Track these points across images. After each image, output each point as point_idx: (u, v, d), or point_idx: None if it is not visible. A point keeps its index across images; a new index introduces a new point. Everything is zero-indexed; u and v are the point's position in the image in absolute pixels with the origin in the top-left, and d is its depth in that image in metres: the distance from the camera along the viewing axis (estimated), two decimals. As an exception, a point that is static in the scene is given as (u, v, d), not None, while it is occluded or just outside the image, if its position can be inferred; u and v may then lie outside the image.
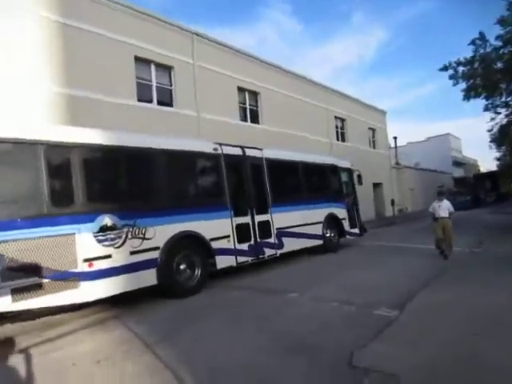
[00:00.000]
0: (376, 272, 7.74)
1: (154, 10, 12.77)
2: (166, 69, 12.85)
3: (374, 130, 26.46)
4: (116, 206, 5.99)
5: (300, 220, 9.74)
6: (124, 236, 5.91)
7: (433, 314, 4.80)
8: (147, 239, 6.22)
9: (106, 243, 5.66)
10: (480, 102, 17.76)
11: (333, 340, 4.09)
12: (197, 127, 13.13)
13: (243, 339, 4.37)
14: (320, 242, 10.46)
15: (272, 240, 8.80)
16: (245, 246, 8.05)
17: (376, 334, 4.12)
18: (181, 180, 7.41)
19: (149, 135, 7.72)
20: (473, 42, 15.38)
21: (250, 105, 16.15)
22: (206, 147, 7.87)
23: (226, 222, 7.73)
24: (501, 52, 15.19)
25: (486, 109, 18.14)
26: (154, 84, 12.47)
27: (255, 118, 16.32)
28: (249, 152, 8.79)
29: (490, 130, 22.58)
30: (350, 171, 12.57)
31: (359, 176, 12.80)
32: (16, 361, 4.20)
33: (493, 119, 19.58)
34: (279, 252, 8.97)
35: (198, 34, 13.86)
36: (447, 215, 8.98)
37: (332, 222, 11.03)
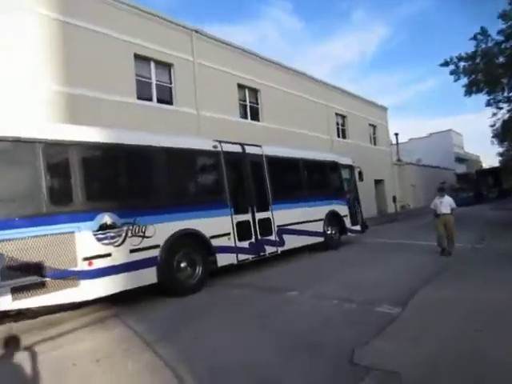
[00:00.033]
0: (377, 269, 7.70)
1: (159, 9, 12.74)
2: (165, 66, 12.79)
3: (375, 127, 26.35)
4: (116, 204, 5.95)
5: (301, 217, 9.69)
6: (124, 234, 5.88)
7: (435, 311, 4.76)
8: (147, 237, 6.20)
9: (106, 242, 5.63)
10: (482, 98, 17.70)
11: (334, 338, 4.06)
12: (197, 125, 13.09)
13: (243, 337, 4.34)
14: (321, 239, 10.43)
15: (273, 237, 8.77)
16: (245, 244, 8.02)
17: (378, 332, 4.09)
18: (180, 178, 7.38)
19: (148, 133, 7.68)
20: (474, 37, 15.28)
21: (250, 102, 16.08)
22: (206, 145, 7.84)
23: (227, 220, 7.69)
24: (503, 46, 15.09)
25: (488, 104, 18.05)
26: (154, 82, 12.42)
27: (255, 116, 16.25)
28: (249, 149, 8.75)
29: (492, 126, 22.47)
30: (351, 168, 12.51)
31: (360, 172, 12.75)
32: (16, 359, 4.19)
33: (495, 114, 19.49)
34: (280, 249, 8.94)
35: (197, 31, 13.79)
36: (449, 211, 8.92)
37: (333, 219, 10.98)
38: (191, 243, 6.96)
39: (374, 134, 26.35)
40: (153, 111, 11.94)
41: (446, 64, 16.16)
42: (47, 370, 3.83)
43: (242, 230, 7.98)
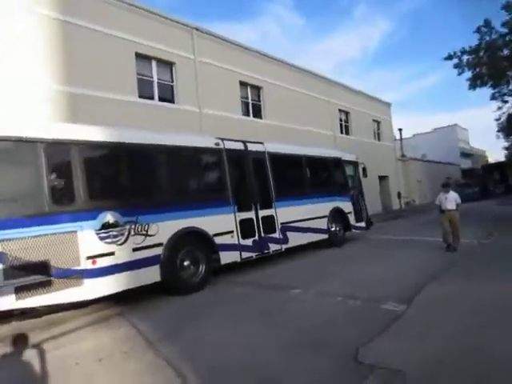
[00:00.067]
0: (382, 266, 7.64)
1: (159, 8, 12.72)
2: (167, 65, 12.76)
3: (378, 123, 26.18)
4: (118, 202, 5.94)
5: (305, 214, 9.64)
6: (127, 233, 5.87)
7: (440, 308, 4.70)
8: (150, 236, 6.18)
9: (109, 240, 5.63)
10: (486, 91, 17.58)
11: (338, 336, 4.02)
12: (199, 123, 13.06)
13: (246, 336, 4.31)
14: (325, 236, 10.36)
15: (276, 235, 8.73)
16: (249, 242, 7.98)
17: (382, 329, 4.04)
18: (183, 176, 7.34)
19: (149, 131, 7.66)
20: (478, 30, 15.08)
21: (252, 99, 16.02)
22: (208, 142, 7.80)
23: (230, 218, 7.66)
24: (507, 39, 14.89)
25: (493, 97, 17.89)
26: (155, 80, 12.40)
27: (258, 113, 16.19)
28: (251, 146, 8.70)
29: (497, 119, 22.27)
30: (355, 164, 12.42)
31: (364, 168, 12.64)
32: (19, 359, 4.20)
33: (500, 108, 19.30)
34: (284, 247, 8.90)
35: (198, 29, 13.74)
36: (454, 207, 8.82)
37: (337, 215, 10.91)
38: (194, 241, 6.93)
39: (378, 129, 26.18)
40: (155, 110, 11.92)
41: (449, 58, 16.01)
42: (50, 369, 3.82)
43: (246, 228, 7.94)
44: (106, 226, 5.60)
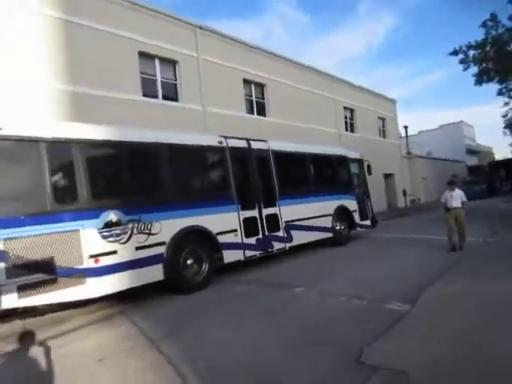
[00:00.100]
0: (387, 264, 7.57)
1: (163, 7, 12.70)
2: (170, 63, 12.75)
3: (383, 120, 26.00)
4: (121, 201, 5.94)
5: (309, 213, 9.58)
6: (129, 231, 5.87)
7: (445, 307, 4.64)
8: (153, 234, 6.17)
9: (112, 239, 5.62)
10: (492, 87, 17.37)
11: (340, 336, 3.97)
12: (203, 121, 13.03)
13: (249, 335, 4.29)
14: (330, 234, 10.31)
15: (280, 233, 8.69)
16: (253, 240, 7.95)
17: (386, 329, 3.98)
18: (186, 174, 7.32)
19: (152, 130, 7.64)
20: (484, 24, 14.85)
21: (256, 97, 15.96)
22: (211, 140, 7.77)
23: (233, 216, 7.63)
24: (514, 33, 14.69)
25: (500, 93, 17.65)
26: (159, 79, 12.39)
27: (262, 111, 16.13)
28: (254, 144, 8.65)
29: (504, 116, 22.02)
30: (360, 162, 12.33)
31: (369, 166, 12.53)
32: (23, 357, 4.21)
33: (507, 104, 19.07)
34: (288, 245, 8.86)
35: (201, 28, 13.70)
36: (460, 205, 8.71)
37: (342, 214, 10.84)
38: (197, 240, 6.92)
39: (383, 127, 26.00)
40: (158, 108, 11.92)
41: (455, 53, 15.81)
42: (53, 367, 3.82)
43: (249, 227, 7.91)
44: (108, 225, 5.60)
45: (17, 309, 5.11)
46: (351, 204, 11.25)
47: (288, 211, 8.94)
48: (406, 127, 30.25)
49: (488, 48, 15.27)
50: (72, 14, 10.13)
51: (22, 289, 4.70)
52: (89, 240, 5.34)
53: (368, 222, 11.91)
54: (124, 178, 6.45)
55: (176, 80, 12.87)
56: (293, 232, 9.00)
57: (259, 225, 8.20)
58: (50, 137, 5.29)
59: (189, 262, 6.71)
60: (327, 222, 10.25)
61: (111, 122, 7.40)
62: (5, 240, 4.60)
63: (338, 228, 10.63)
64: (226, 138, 7.99)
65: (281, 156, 9.20)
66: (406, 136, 30.56)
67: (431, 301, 4.91)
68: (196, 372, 3.39)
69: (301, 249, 9.45)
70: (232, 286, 6.90)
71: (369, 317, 4.48)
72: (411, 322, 4.20)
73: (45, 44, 9.62)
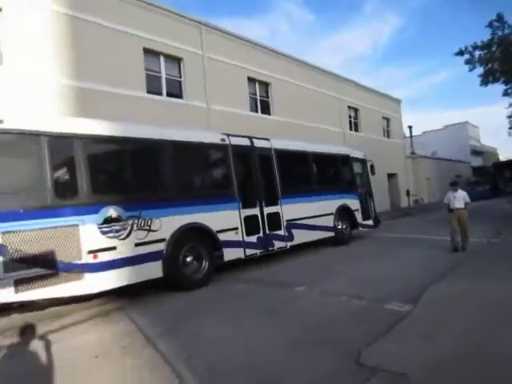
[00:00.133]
0: (389, 264, 7.50)
1: (168, 4, 12.61)
2: (175, 60, 12.72)
3: (388, 120, 25.86)
4: (121, 197, 5.90)
5: (311, 212, 9.51)
6: (129, 228, 5.83)
7: (447, 307, 4.57)
8: (153, 231, 6.14)
9: (111, 235, 5.59)
10: (498, 88, 17.21)
11: (340, 336, 3.91)
12: (207, 119, 13.00)
13: (247, 334, 4.24)
14: (331, 233, 10.24)
15: (282, 232, 8.63)
16: (253, 239, 7.90)
17: (386, 330, 3.92)
18: (187, 171, 7.28)
19: (155, 126, 7.61)
20: (490, 24, 14.69)
21: (260, 95, 15.90)
22: (214, 138, 7.73)
23: (234, 214, 7.58)
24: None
25: (506, 94, 17.47)
26: (164, 76, 12.37)
27: (266, 109, 16.07)
28: (257, 142, 8.60)
29: (509, 116, 21.80)
30: (363, 161, 12.24)
31: (372, 166, 12.46)
32: (19, 351, 4.19)
33: (512, 105, 18.88)
34: (289, 244, 8.80)
35: (206, 25, 13.66)
36: (463, 206, 8.61)
37: (344, 213, 10.77)
38: (197, 237, 6.87)
39: (388, 126, 25.87)
40: (163, 105, 11.90)
41: (460, 53, 15.66)
42: (50, 361, 3.79)
43: (250, 225, 7.85)
44: (108, 221, 5.57)
45: (13, 303, 5.08)
46: (354, 203, 11.17)
47: (290, 210, 8.88)
48: (410, 127, 30.12)
49: (494, 48, 15.11)
50: (78, 9, 10.12)
51: (20, 283, 4.67)
52: (88, 235, 5.31)
53: (370, 222, 11.83)
54: (125, 173, 6.42)
55: (180, 77, 12.84)
56: (294, 231, 8.94)
57: (260, 223, 8.15)
58: (51, 131, 5.26)
59: (188, 259, 6.67)
60: (329, 221, 10.18)
61: (115, 118, 7.38)
62: (3, 233, 4.58)
63: (339, 227, 10.56)
64: (228, 135, 7.94)
65: (283, 154, 9.14)
66: (411, 136, 30.39)
67: (434, 301, 4.84)
68: (193, 370, 3.34)
69: (302, 248, 9.40)
70: (232, 284, 6.85)
71: (369, 317, 4.42)
72: (413, 322, 4.14)
73: (51, 40, 9.62)
